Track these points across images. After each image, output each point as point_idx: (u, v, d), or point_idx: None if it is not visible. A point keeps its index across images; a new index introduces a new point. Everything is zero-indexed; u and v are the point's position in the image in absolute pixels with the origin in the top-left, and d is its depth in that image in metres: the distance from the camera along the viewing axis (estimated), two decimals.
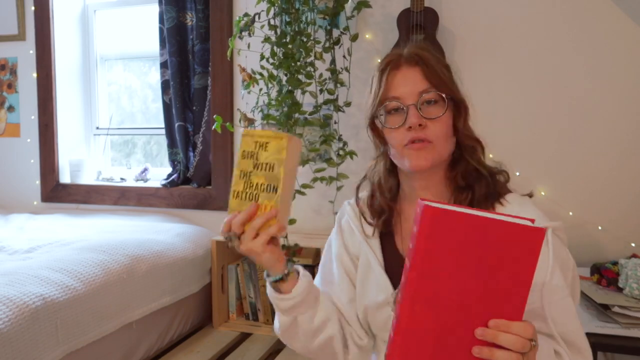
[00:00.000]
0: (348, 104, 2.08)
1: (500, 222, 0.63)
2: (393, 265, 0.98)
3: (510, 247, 0.63)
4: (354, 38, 2.04)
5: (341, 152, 2.05)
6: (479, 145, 0.96)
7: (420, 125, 0.89)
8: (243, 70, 2.07)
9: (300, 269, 0.93)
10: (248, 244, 0.82)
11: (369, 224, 1.03)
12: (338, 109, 2.07)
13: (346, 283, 1.04)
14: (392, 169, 1.02)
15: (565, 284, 0.88)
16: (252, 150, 0.82)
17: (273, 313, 2.30)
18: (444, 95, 0.91)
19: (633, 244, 1.99)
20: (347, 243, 1.05)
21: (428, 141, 0.90)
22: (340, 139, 2.07)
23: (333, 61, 2.06)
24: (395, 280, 0.96)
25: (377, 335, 1.03)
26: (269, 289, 0.92)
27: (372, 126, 0.99)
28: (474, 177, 0.94)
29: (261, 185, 0.82)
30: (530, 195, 0.97)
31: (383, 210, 1.01)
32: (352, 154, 2.01)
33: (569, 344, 0.85)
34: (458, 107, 0.94)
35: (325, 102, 2.03)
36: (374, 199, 1.03)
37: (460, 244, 0.64)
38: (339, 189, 2.05)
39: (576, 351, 0.85)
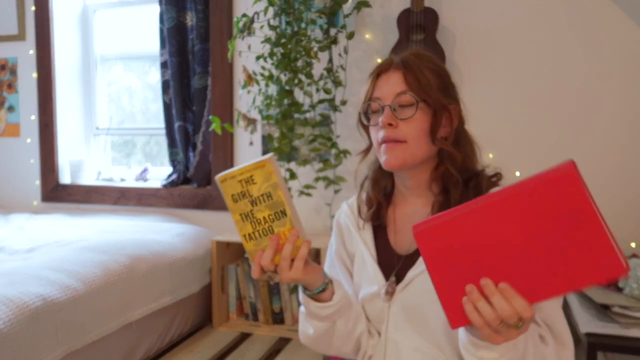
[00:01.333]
0: (344, 103, 2.08)
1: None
2: (385, 258, 1.00)
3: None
4: (350, 36, 2.04)
5: (337, 152, 2.05)
6: (457, 153, 0.96)
7: (390, 125, 0.92)
8: (245, 70, 2.07)
9: (331, 275, 0.95)
10: (288, 275, 0.84)
11: (362, 218, 1.05)
12: (335, 108, 2.07)
13: (349, 280, 1.06)
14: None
15: None
16: (241, 191, 0.81)
17: (273, 313, 2.32)
18: (415, 97, 0.92)
19: (633, 244, 1.99)
20: (345, 240, 1.08)
21: (400, 141, 0.93)
22: (329, 139, 2.06)
23: (330, 60, 2.06)
24: (387, 272, 0.98)
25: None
26: (307, 300, 0.93)
27: (362, 124, 1.03)
28: (453, 182, 0.95)
29: (269, 216, 0.82)
30: None
31: (373, 202, 1.04)
32: (345, 152, 2.01)
33: (552, 333, 0.86)
34: (436, 113, 0.94)
35: (321, 101, 2.03)
36: (368, 191, 1.06)
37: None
38: (336, 192, 2.05)
39: (559, 342, 0.86)
